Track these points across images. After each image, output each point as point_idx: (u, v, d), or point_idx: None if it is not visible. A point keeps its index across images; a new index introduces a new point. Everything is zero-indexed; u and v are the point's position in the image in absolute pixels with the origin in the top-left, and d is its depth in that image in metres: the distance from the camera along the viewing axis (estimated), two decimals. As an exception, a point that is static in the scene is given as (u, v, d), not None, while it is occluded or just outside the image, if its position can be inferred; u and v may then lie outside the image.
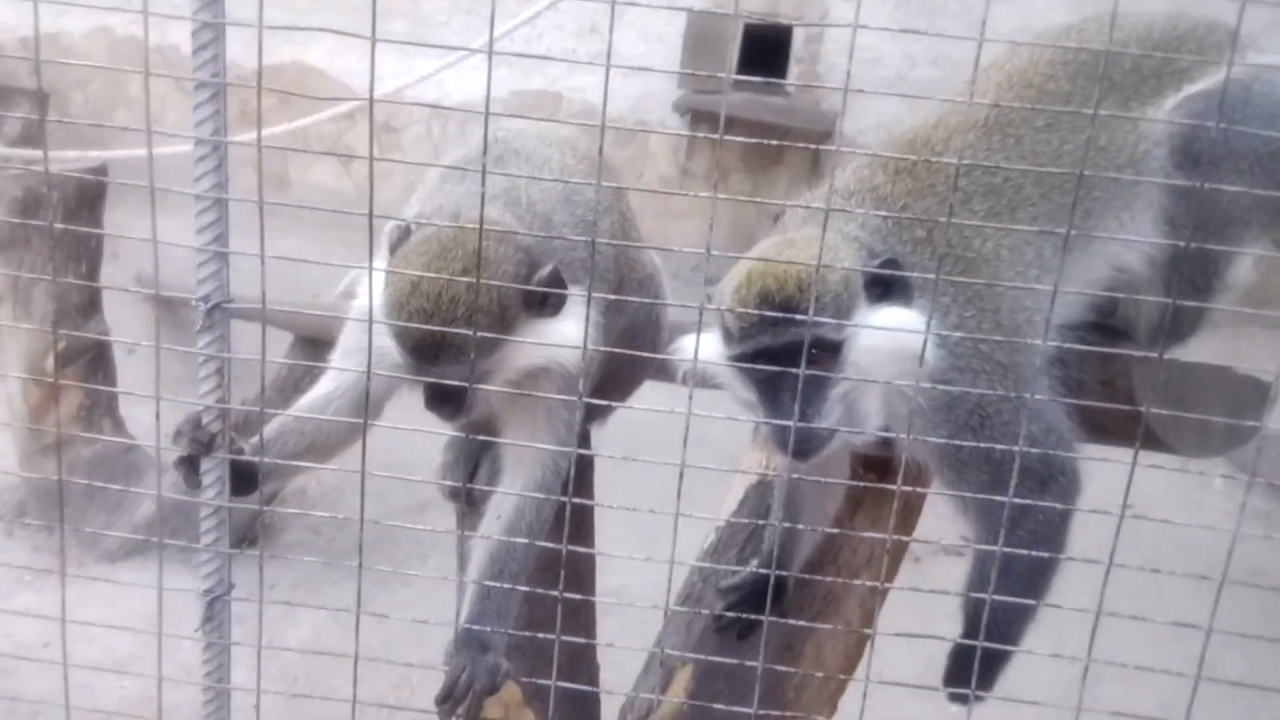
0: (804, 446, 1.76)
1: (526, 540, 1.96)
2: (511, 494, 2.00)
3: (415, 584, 4.77)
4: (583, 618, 2.12)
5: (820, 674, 1.94)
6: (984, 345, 1.83)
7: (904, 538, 2.07)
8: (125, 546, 4.77)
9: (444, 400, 1.84)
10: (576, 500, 1.94)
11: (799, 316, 1.67)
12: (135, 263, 7.05)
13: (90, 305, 5.05)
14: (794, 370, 1.64)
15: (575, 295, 1.88)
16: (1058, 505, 1.87)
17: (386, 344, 1.82)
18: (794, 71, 8.56)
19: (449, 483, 2.18)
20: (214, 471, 1.52)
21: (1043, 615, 1.98)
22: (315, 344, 4.47)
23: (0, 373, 4.80)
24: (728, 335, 1.81)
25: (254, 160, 1.55)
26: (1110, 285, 2.01)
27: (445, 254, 1.81)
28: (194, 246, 1.39)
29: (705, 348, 1.80)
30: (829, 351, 1.76)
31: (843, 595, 1.99)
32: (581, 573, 2.09)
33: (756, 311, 1.74)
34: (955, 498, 1.89)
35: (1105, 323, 1.98)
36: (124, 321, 6.09)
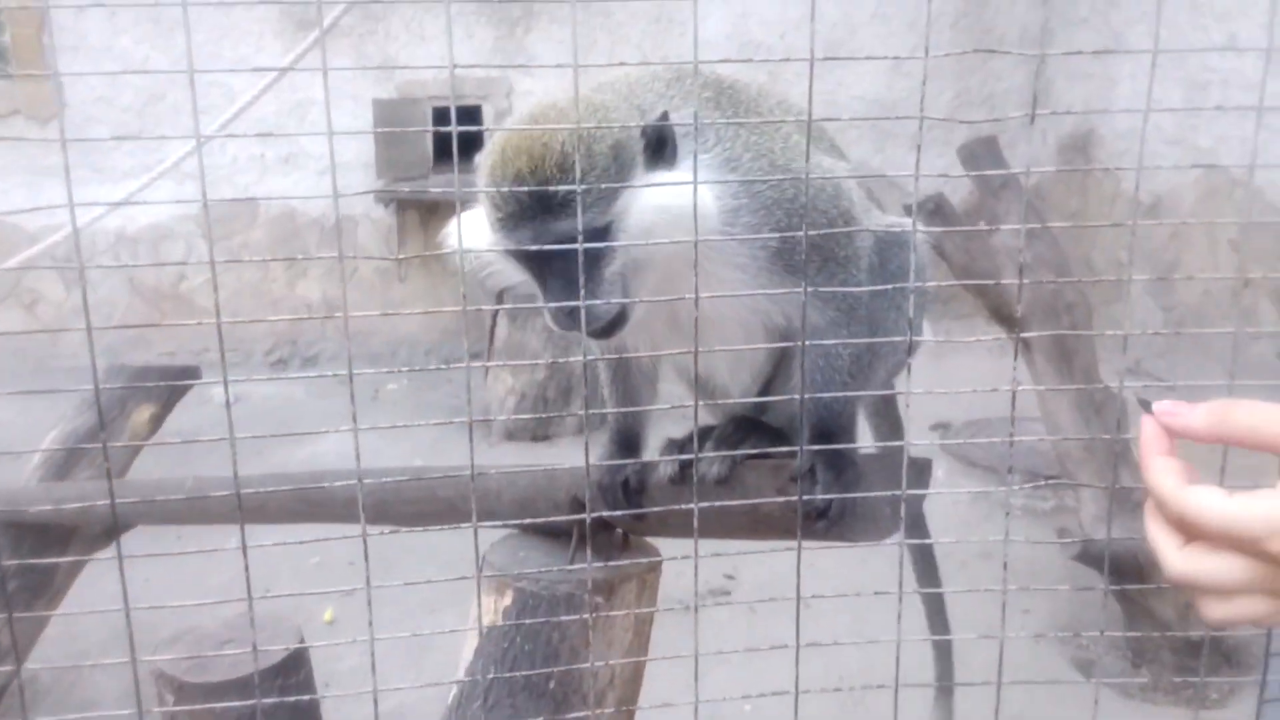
0: (597, 327, 1.73)
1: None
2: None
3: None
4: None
5: None
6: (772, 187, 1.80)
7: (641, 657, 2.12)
8: None
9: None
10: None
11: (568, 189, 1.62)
12: None
13: None
14: (563, 254, 1.58)
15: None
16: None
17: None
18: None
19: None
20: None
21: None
22: (20, 527, 4.06)
23: None
24: (491, 222, 1.71)
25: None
26: None
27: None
28: None
29: (473, 229, 1.71)
30: (600, 231, 1.68)
31: (596, 714, 2.02)
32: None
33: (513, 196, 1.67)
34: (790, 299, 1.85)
35: (764, 422, 2.07)
36: None
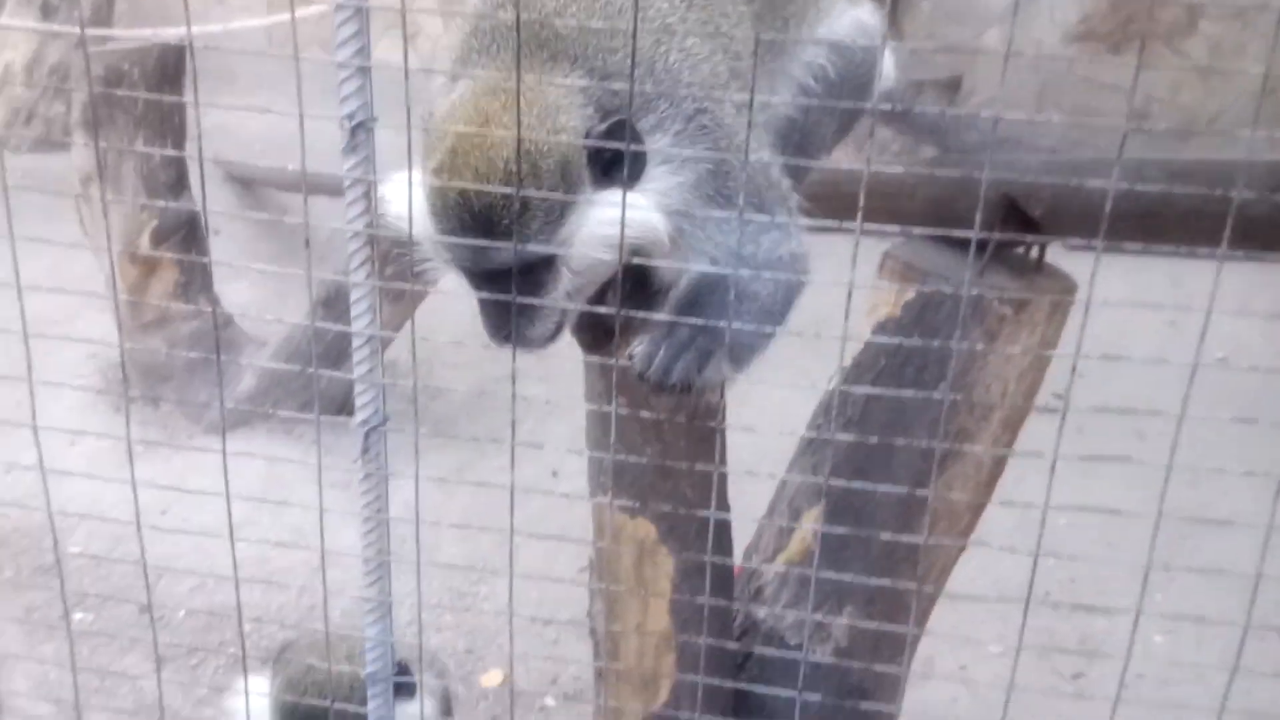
0: (528, 347, 1.72)
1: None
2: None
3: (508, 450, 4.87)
4: (715, 448, 2.13)
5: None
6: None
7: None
8: (231, 417, 4.91)
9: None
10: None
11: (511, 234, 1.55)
12: (212, 145, 7.09)
13: (179, 183, 5.11)
14: (503, 273, 1.57)
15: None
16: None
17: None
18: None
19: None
20: (364, 300, 1.53)
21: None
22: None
23: (96, 251, 4.88)
24: (433, 224, 1.61)
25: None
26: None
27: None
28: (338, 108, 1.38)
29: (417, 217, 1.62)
30: (545, 258, 1.61)
31: (975, 431, 1.98)
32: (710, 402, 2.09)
33: (456, 231, 1.59)
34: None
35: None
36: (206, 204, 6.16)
